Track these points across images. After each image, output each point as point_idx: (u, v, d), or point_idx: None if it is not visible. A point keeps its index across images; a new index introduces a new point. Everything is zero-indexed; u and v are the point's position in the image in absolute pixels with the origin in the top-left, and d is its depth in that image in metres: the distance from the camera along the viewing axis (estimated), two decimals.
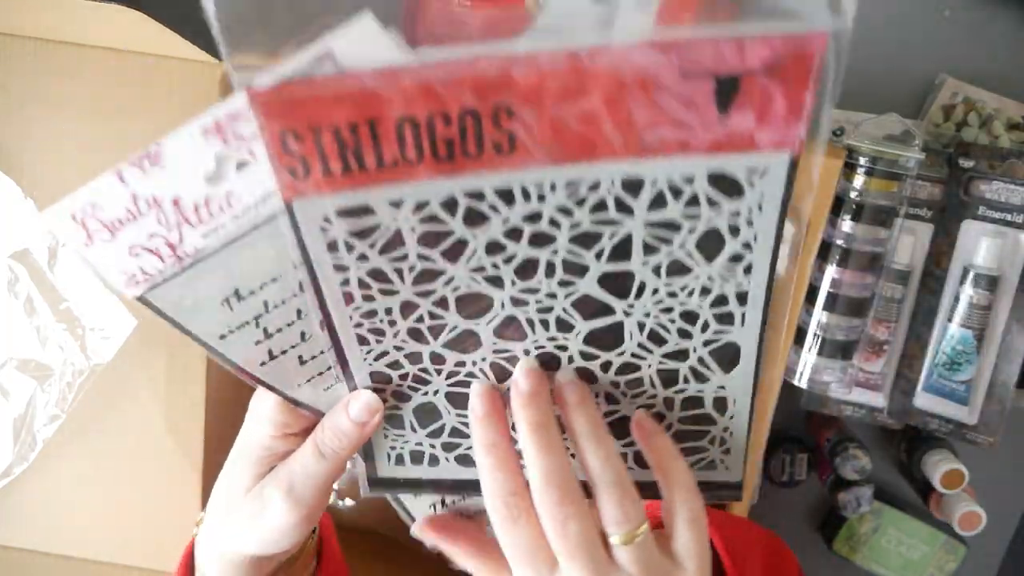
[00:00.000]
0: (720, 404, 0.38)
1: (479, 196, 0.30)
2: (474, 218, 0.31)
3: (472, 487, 0.40)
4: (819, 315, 0.61)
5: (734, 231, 0.31)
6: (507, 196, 0.30)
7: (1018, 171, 0.61)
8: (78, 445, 0.65)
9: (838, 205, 0.60)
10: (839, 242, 0.60)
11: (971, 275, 0.61)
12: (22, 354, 0.63)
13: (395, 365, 0.37)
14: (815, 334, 0.62)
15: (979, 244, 0.61)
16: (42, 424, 0.64)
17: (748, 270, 0.32)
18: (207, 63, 0.56)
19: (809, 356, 0.62)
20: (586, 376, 0.36)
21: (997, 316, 0.61)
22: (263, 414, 0.38)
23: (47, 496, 0.67)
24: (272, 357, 0.37)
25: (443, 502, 0.44)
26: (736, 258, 0.32)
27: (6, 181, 0.59)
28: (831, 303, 0.61)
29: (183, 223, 0.32)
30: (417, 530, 0.41)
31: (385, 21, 0.59)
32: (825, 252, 0.60)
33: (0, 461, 0.64)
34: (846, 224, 0.59)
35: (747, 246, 0.32)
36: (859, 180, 0.59)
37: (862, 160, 0.58)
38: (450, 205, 0.31)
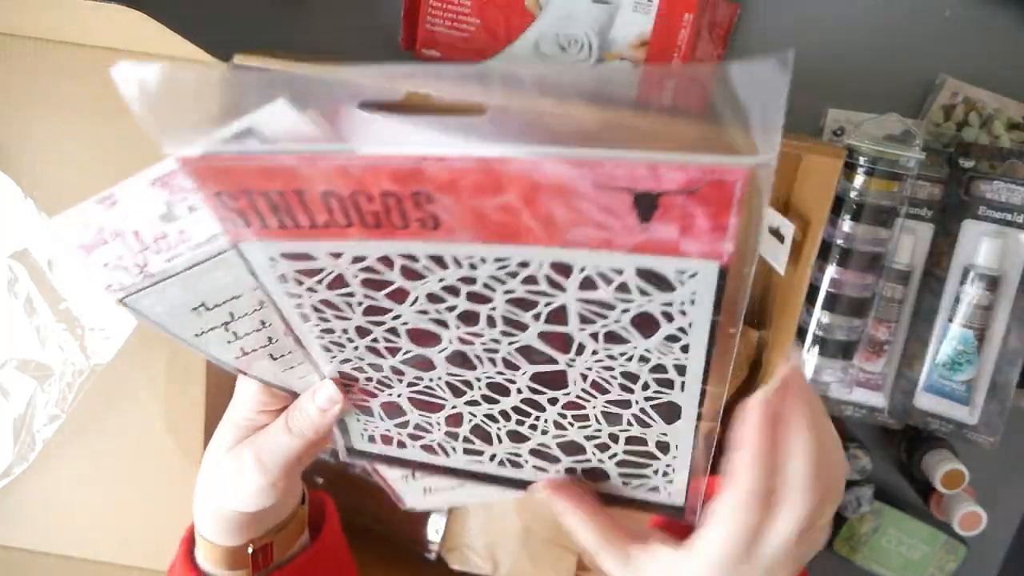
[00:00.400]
0: (663, 446, 0.38)
1: (413, 258, 0.31)
2: (411, 274, 0.32)
3: (438, 471, 0.43)
4: (819, 315, 0.61)
5: (668, 317, 0.31)
6: (439, 261, 0.31)
7: (1018, 171, 0.61)
8: (78, 445, 0.65)
9: (838, 205, 0.60)
10: (839, 242, 0.60)
11: (972, 275, 0.61)
12: (22, 354, 0.63)
13: (359, 370, 0.39)
14: (815, 334, 0.62)
15: (980, 244, 0.61)
16: (42, 424, 0.64)
17: (685, 349, 0.32)
18: (207, 63, 0.56)
19: (809, 356, 0.62)
20: (533, 405, 0.38)
21: (998, 316, 0.61)
22: (247, 392, 0.44)
23: (47, 496, 0.67)
24: (245, 353, 0.41)
25: (413, 474, 0.47)
26: (672, 338, 0.32)
27: (6, 181, 0.59)
28: (831, 303, 0.61)
29: (146, 250, 0.36)
30: (540, 488, 0.43)
31: (385, 21, 0.59)
32: (825, 252, 0.60)
33: (0, 461, 0.64)
34: (846, 224, 0.59)
35: (682, 330, 0.31)
36: (859, 180, 0.59)
37: (862, 160, 0.58)
38: (386, 261, 0.32)
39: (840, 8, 0.65)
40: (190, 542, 0.51)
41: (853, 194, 0.59)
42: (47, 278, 0.61)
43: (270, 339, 0.41)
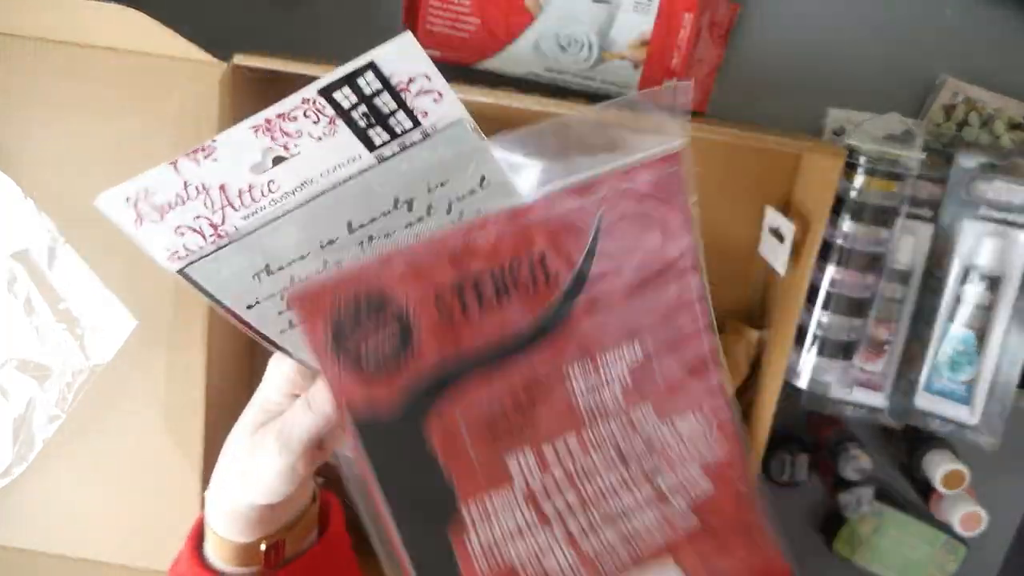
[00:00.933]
0: None
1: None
2: None
3: None
4: (819, 315, 0.61)
5: None
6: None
7: (1019, 171, 0.61)
8: (77, 445, 0.65)
9: (839, 205, 0.60)
10: (840, 242, 0.60)
11: (972, 275, 0.61)
12: (22, 354, 0.63)
13: None
14: (815, 334, 0.61)
15: (980, 244, 0.61)
16: (41, 424, 0.64)
17: None
18: (207, 63, 0.56)
19: (809, 356, 0.62)
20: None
21: (998, 316, 0.61)
22: (280, 373, 0.44)
23: (46, 496, 0.67)
24: (292, 326, 0.41)
25: None
26: None
27: (6, 181, 0.59)
28: (831, 303, 0.61)
29: (227, 206, 0.36)
30: None
31: (385, 21, 0.59)
32: (826, 252, 0.60)
33: (0, 461, 0.64)
34: (847, 224, 0.59)
35: None
36: (860, 180, 0.59)
37: (863, 160, 0.58)
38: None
39: (840, 8, 0.65)
40: (197, 537, 0.51)
41: (853, 194, 0.59)
42: (47, 278, 0.61)
43: None
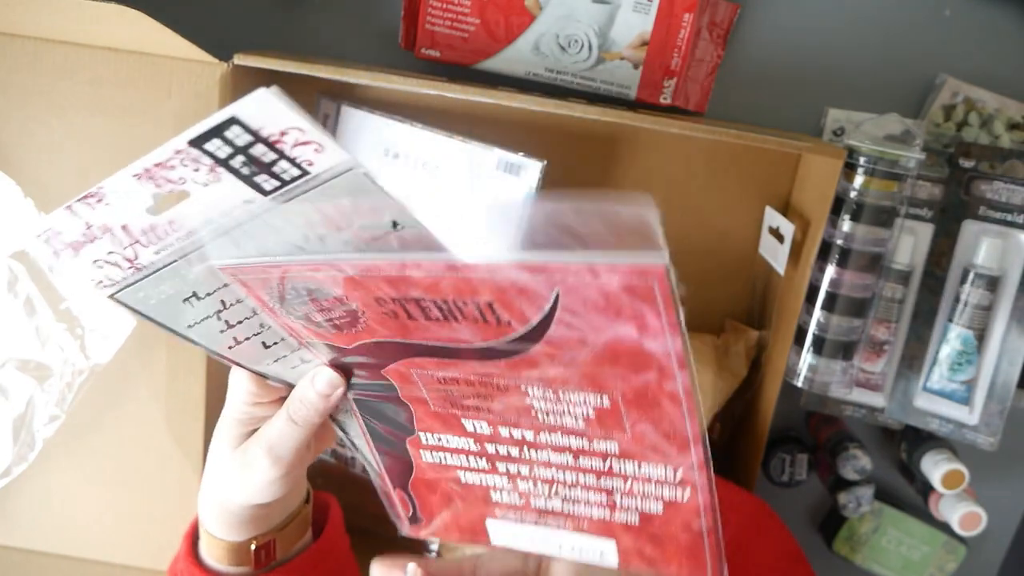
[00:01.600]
0: None
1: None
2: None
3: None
4: (819, 315, 0.61)
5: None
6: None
7: (1019, 171, 0.61)
8: (78, 445, 0.65)
9: (838, 205, 0.60)
10: (839, 242, 0.60)
11: (972, 275, 0.61)
12: (22, 354, 0.63)
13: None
14: (815, 334, 0.61)
15: (980, 244, 0.61)
16: (42, 424, 0.63)
17: None
18: (207, 63, 0.56)
19: (809, 356, 0.62)
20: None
21: (998, 316, 0.61)
22: (238, 385, 0.44)
23: (46, 496, 0.67)
24: (238, 343, 0.41)
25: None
26: None
27: (6, 181, 0.59)
28: (831, 303, 0.61)
29: (136, 243, 0.36)
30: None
31: (385, 21, 0.59)
32: (825, 252, 0.60)
33: (0, 461, 0.64)
34: (846, 224, 0.59)
35: None
36: (859, 180, 0.59)
37: (862, 160, 0.58)
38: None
39: (840, 8, 0.65)
40: (193, 537, 0.51)
41: (853, 194, 0.59)
42: (47, 278, 0.61)
43: (262, 325, 0.41)
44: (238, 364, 0.43)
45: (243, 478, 0.45)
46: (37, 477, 0.65)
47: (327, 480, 0.70)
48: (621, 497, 0.39)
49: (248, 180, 0.34)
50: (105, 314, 0.62)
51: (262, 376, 0.44)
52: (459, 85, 0.56)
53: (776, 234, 0.64)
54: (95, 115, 0.58)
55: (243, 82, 0.57)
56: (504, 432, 0.40)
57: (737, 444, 0.70)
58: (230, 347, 0.42)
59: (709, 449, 0.35)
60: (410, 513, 0.48)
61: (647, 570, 0.41)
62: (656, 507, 0.39)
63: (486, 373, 0.37)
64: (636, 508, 0.39)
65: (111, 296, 0.38)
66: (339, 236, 0.35)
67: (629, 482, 0.38)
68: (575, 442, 0.38)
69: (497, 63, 0.63)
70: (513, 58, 0.63)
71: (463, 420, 0.40)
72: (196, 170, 0.34)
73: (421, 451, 0.44)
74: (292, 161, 0.34)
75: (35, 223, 0.36)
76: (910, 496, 0.74)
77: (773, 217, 0.65)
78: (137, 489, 0.66)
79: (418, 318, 0.35)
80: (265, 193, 0.35)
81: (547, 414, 0.38)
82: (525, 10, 0.61)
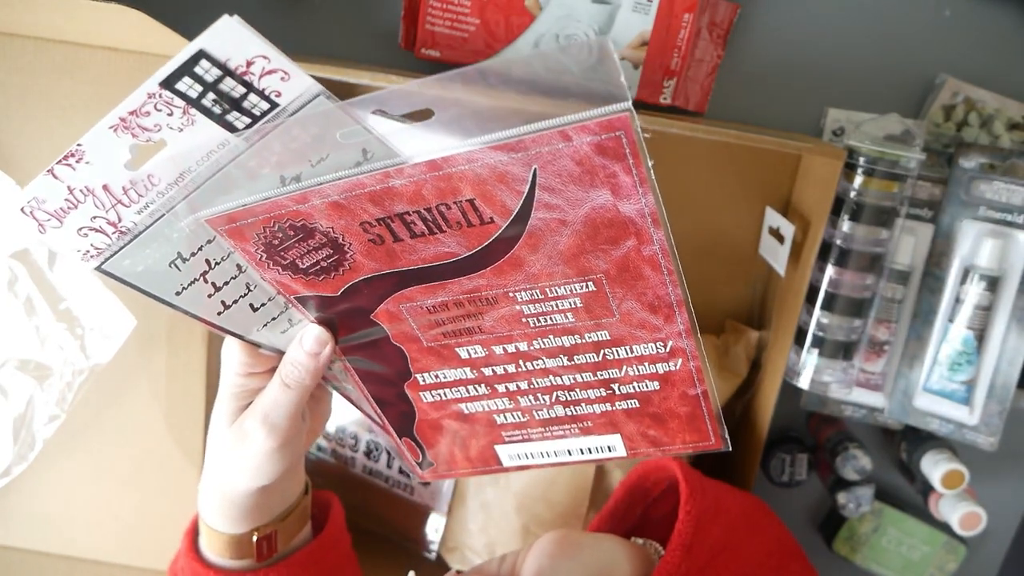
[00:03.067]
0: None
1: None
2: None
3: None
4: (819, 315, 0.61)
5: None
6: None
7: (1019, 171, 0.61)
8: (77, 445, 0.65)
9: (838, 205, 0.60)
10: (839, 242, 0.60)
11: (972, 275, 0.61)
12: (22, 354, 0.63)
13: None
14: (815, 334, 0.61)
15: (980, 244, 0.61)
16: (42, 424, 0.63)
17: None
18: None
19: (809, 357, 0.62)
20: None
21: (998, 316, 0.61)
22: (231, 356, 0.44)
23: (46, 496, 0.67)
24: (226, 307, 0.42)
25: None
26: None
27: (6, 180, 0.59)
28: (831, 303, 0.61)
29: (117, 204, 0.37)
30: None
31: (385, 21, 0.59)
32: (825, 252, 0.60)
33: (0, 461, 0.64)
34: (846, 224, 0.59)
35: None
36: (859, 180, 0.59)
37: (862, 160, 0.58)
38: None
39: (840, 8, 0.65)
40: (194, 532, 0.51)
41: (853, 194, 0.59)
42: (47, 278, 0.61)
43: (248, 287, 0.41)
44: (229, 332, 0.43)
45: (241, 452, 0.45)
46: (37, 477, 0.65)
47: (327, 480, 0.70)
48: (619, 385, 0.41)
49: (220, 119, 0.35)
50: (105, 314, 0.62)
51: (254, 345, 0.44)
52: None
53: (776, 234, 0.64)
54: (96, 115, 0.58)
55: None
56: (498, 350, 0.41)
57: (736, 444, 0.70)
58: (219, 312, 0.42)
59: (693, 312, 0.37)
60: (419, 459, 0.49)
61: (655, 452, 0.43)
62: (652, 385, 0.40)
63: (474, 289, 0.38)
64: (634, 392, 0.41)
65: (98, 268, 0.39)
66: (315, 171, 0.36)
67: (624, 368, 0.40)
68: (567, 340, 0.39)
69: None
70: (513, 58, 0.63)
71: (457, 349, 0.41)
72: (170, 114, 0.34)
73: (420, 393, 0.45)
74: (261, 93, 0.35)
75: (18, 194, 0.36)
76: (910, 496, 0.74)
77: (773, 218, 0.65)
78: (137, 489, 0.66)
79: (403, 237, 0.36)
80: (238, 132, 0.36)
81: (537, 317, 0.39)
82: (525, 10, 0.61)
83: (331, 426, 0.68)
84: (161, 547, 0.65)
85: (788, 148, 0.55)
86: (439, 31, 0.62)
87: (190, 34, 0.53)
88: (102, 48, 0.57)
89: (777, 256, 0.63)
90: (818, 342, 0.61)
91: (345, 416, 0.68)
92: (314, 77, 0.55)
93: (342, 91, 0.66)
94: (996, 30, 0.65)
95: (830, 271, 0.60)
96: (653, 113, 0.58)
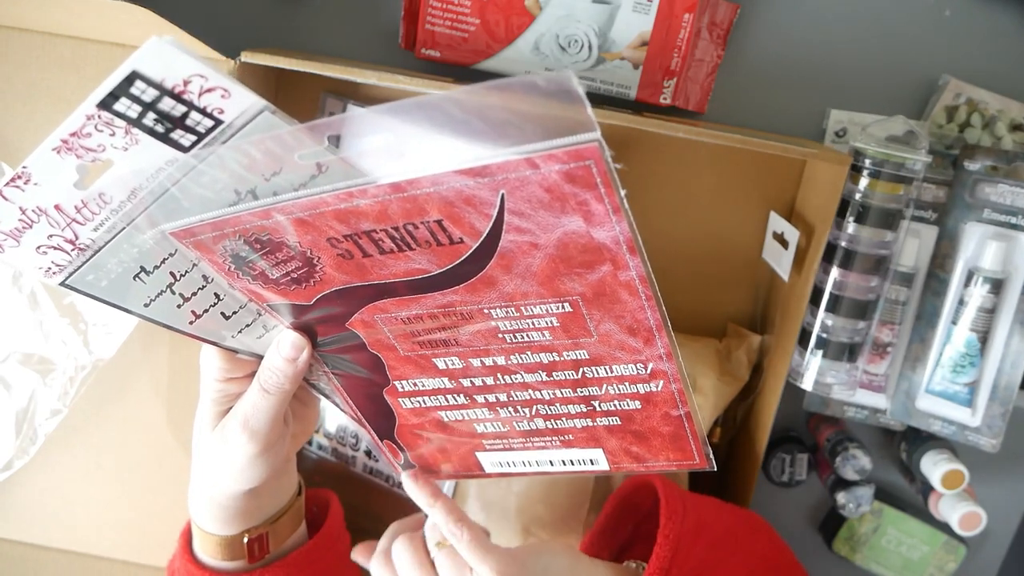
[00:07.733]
0: None
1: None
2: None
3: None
4: (823, 317, 0.61)
5: None
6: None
7: (1023, 174, 0.61)
8: (79, 440, 0.65)
9: (843, 207, 0.59)
10: (844, 244, 0.60)
11: (975, 278, 0.61)
12: (25, 348, 0.63)
13: None
14: (819, 336, 0.61)
15: (984, 247, 0.61)
16: (44, 418, 0.64)
17: None
18: (214, 60, 0.56)
19: (813, 358, 0.62)
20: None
21: (1001, 319, 0.61)
22: (208, 363, 0.44)
23: (48, 490, 0.67)
24: (197, 316, 0.42)
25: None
26: None
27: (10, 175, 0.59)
28: (835, 305, 0.61)
29: (72, 222, 0.36)
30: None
31: (385, 21, 0.59)
32: (830, 254, 0.60)
33: (1, 455, 0.64)
34: (851, 226, 0.59)
35: None
36: (864, 182, 0.59)
37: (868, 163, 0.58)
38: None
39: (841, 8, 0.65)
40: (189, 534, 0.51)
41: (858, 196, 0.59)
42: None
43: (217, 296, 0.41)
44: (204, 340, 0.43)
45: (223, 458, 0.44)
46: (38, 471, 0.65)
47: (328, 479, 0.71)
48: (599, 403, 0.41)
49: (165, 138, 0.34)
50: (108, 309, 0.62)
51: (232, 352, 0.44)
52: (459, 85, 0.56)
53: (780, 239, 0.64)
54: None
55: (250, 79, 0.57)
56: (476, 363, 0.40)
57: (737, 447, 0.70)
58: (191, 322, 0.42)
59: (673, 335, 0.37)
60: (401, 460, 0.49)
61: (638, 467, 0.43)
62: (634, 404, 0.40)
63: (448, 304, 0.37)
64: (615, 410, 0.41)
65: (63, 283, 0.38)
66: (269, 185, 0.35)
67: (604, 386, 0.40)
68: (546, 357, 0.39)
69: (497, 63, 0.63)
70: (513, 58, 0.63)
71: (434, 360, 0.41)
72: (112, 134, 0.34)
73: (400, 399, 0.44)
74: (203, 111, 0.34)
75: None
76: (910, 496, 0.74)
77: (777, 222, 0.65)
78: (138, 484, 0.66)
79: (372, 253, 0.35)
80: (185, 150, 0.35)
81: (514, 334, 0.38)
82: (525, 10, 0.61)
83: (332, 425, 0.68)
84: (162, 543, 0.66)
85: (793, 153, 0.55)
86: (439, 31, 0.62)
87: (195, 31, 0.54)
88: (109, 44, 0.57)
89: (781, 261, 0.63)
90: (822, 344, 0.61)
91: (345, 416, 0.68)
92: (319, 76, 0.55)
93: (347, 89, 0.66)
94: (998, 30, 0.65)
95: (835, 273, 0.60)
96: (656, 116, 0.58)
